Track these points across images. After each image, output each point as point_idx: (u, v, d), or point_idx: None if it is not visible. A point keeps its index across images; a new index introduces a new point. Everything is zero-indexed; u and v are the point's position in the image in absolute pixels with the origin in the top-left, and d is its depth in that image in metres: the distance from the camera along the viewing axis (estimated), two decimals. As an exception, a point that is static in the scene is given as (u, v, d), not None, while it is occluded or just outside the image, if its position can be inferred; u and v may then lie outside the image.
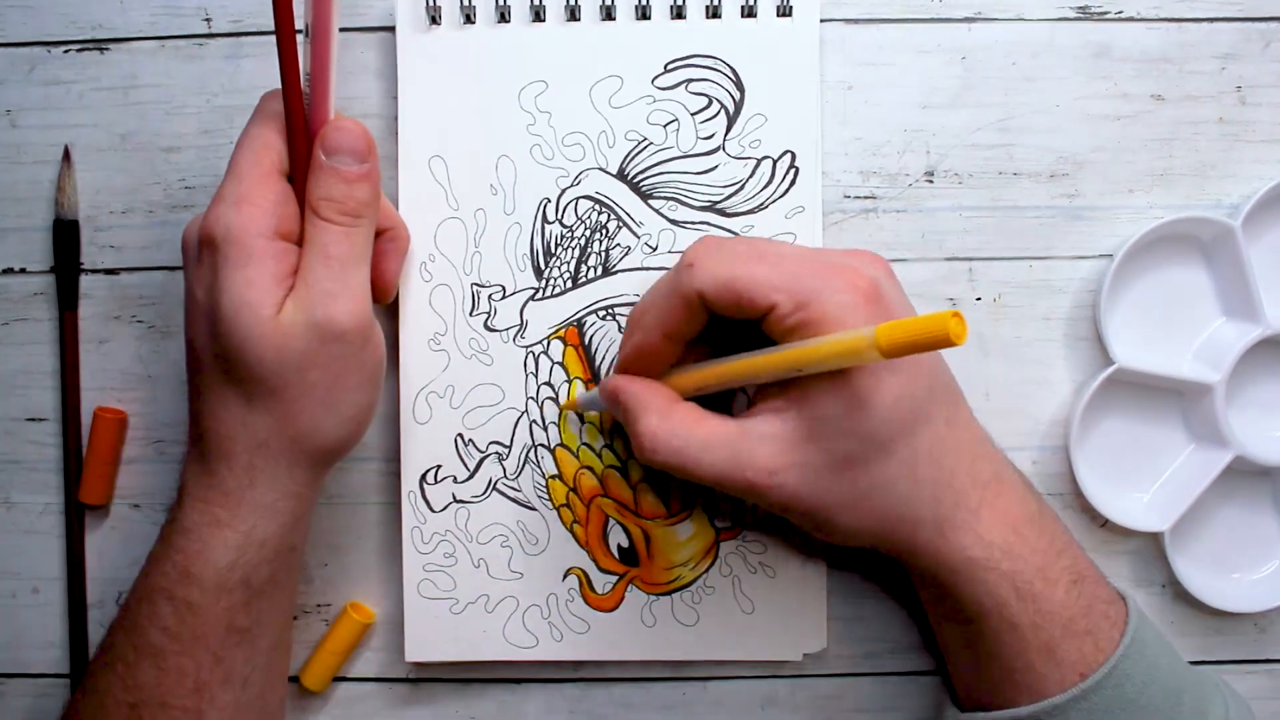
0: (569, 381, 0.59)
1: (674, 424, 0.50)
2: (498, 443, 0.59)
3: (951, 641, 0.55)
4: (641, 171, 0.59)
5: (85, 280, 0.61)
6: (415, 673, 0.62)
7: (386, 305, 0.59)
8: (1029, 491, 0.52)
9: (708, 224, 0.58)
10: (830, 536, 0.52)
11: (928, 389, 0.49)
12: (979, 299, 0.60)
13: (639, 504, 0.59)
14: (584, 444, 0.59)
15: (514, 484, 0.59)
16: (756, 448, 0.48)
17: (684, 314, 0.50)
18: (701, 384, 0.52)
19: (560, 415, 0.59)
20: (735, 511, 0.59)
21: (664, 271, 0.57)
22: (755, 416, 0.50)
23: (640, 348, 0.53)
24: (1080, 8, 0.59)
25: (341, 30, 0.60)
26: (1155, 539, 0.60)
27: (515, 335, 0.59)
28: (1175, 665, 0.51)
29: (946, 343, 0.39)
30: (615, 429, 0.59)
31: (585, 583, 0.59)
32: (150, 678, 0.50)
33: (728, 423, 0.50)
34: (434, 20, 0.58)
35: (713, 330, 0.52)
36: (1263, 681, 0.61)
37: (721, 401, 0.56)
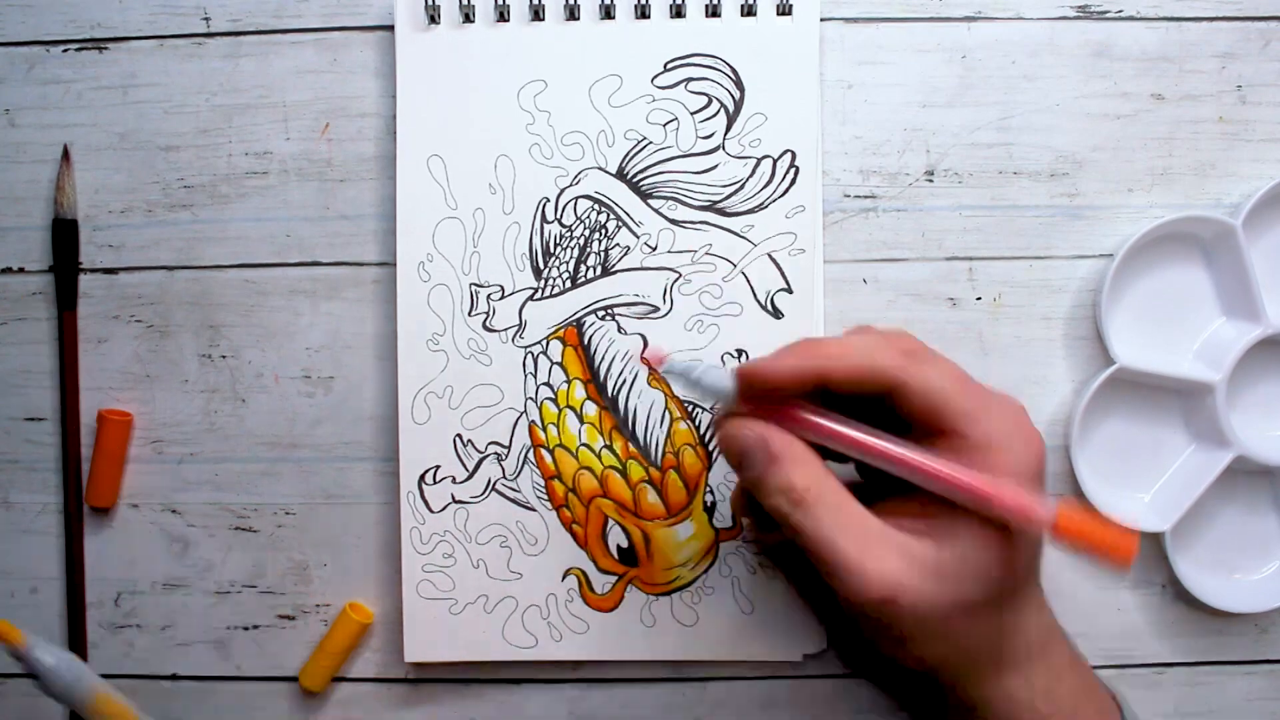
0: (568, 382, 0.59)
1: (821, 489, 0.47)
2: (497, 443, 0.59)
3: None
4: (641, 171, 0.58)
5: (84, 280, 0.61)
6: (414, 673, 0.62)
7: (384, 305, 0.59)
8: (1066, 634, 0.52)
9: (707, 223, 0.58)
10: (901, 657, 0.50)
11: (1038, 561, 0.50)
12: (979, 298, 0.60)
13: (638, 504, 0.59)
14: (583, 444, 0.59)
15: (513, 484, 0.59)
16: (890, 556, 0.46)
17: (861, 381, 0.47)
18: (835, 437, 0.48)
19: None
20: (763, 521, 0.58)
21: (663, 271, 0.58)
22: (889, 519, 0.47)
23: (775, 375, 0.48)
24: (1080, 7, 0.59)
25: (341, 29, 0.60)
26: (1156, 539, 0.60)
27: (514, 335, 0.59)
28: None
29: (1117, 565, 0.40)
30: (615, 428, 0.59)
31: (584, 583, 0.59)
32: None
33: (869, 515, 0.47)
34: (433, 19, 0.58)
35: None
36: (1263, 682, 0.61)
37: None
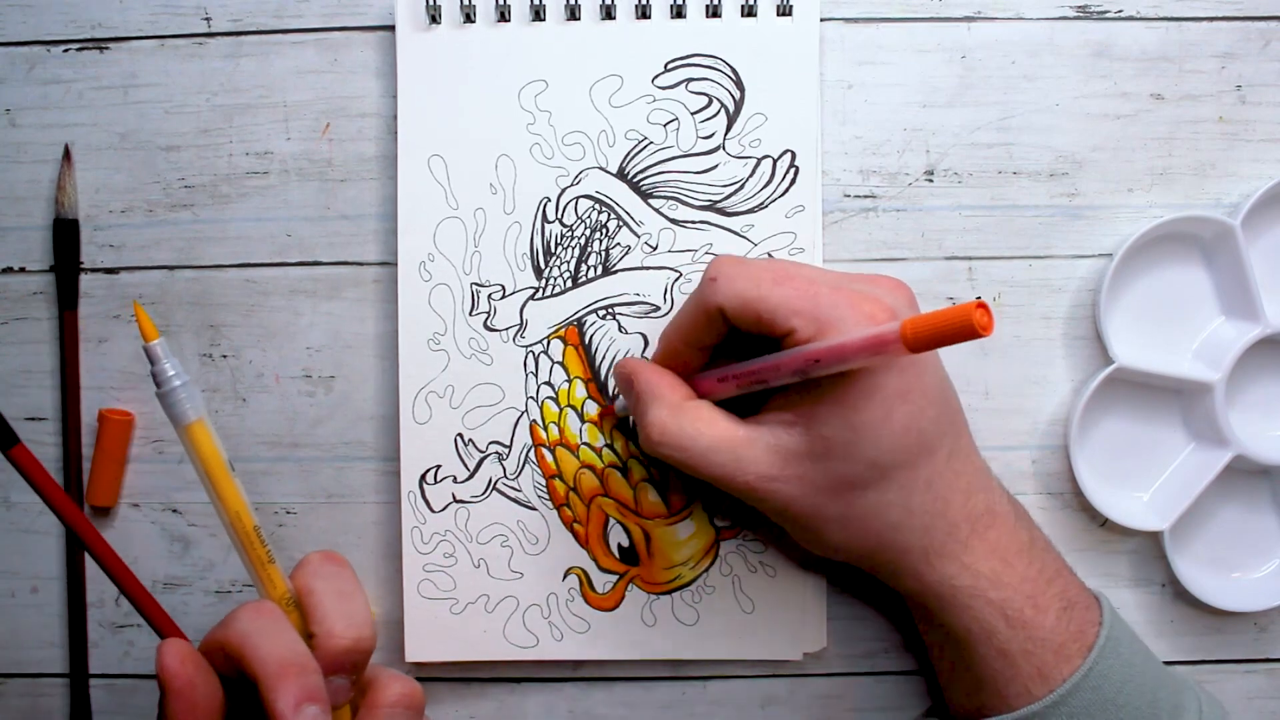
0: (569, 381, 0.59)
1: (683, 420, 0.51)
2: (498, 442, 0.59)
3: (943, 660, 0.55)
4: (641, 171, 0.59)
5: (85, 279, 0.61)
6: (415, 672, 0.62)
7: (384, 305, 0.59)
8: (1021, 523, 0.52)
9: (708, 223, 0.58)
10: (817, 549, 0.53)
11: (935, 420, 0.50)
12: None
13: (639, 503, 0.59)
14: (584, 443, 0.59)
15: (514, 484, 0.59)
16: (760, 455, 0.50)
17: (705, 325, 0.51)
18: (719, 384, 0.53)
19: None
20: (734, 509, 0.59)
21: (664, 271, 0.58)
22: (763, 425, 0.51)
23: (665, 353, 0.54)
24: (1080, 7, 0.59)
25: (341, 29, 0.60)
26: (1155, 538, 0.60)
27: (515, 335, 0.59)
28: (1150, 665, 0.52)
29: (972, 334, 0.39)
30: (616, 427, 0.59)
31: (585, 582, 0.59)
32: None
33: (735, 426, 0.51)
34: (434, 19, 0.58)
35: (738, 342, 0.52)
36: (1263, 681, 0.61)
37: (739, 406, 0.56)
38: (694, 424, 0.51)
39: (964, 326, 0.39)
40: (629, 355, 0.59)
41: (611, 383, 0.59)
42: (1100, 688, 0.49)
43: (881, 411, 0.47)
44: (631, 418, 0.57)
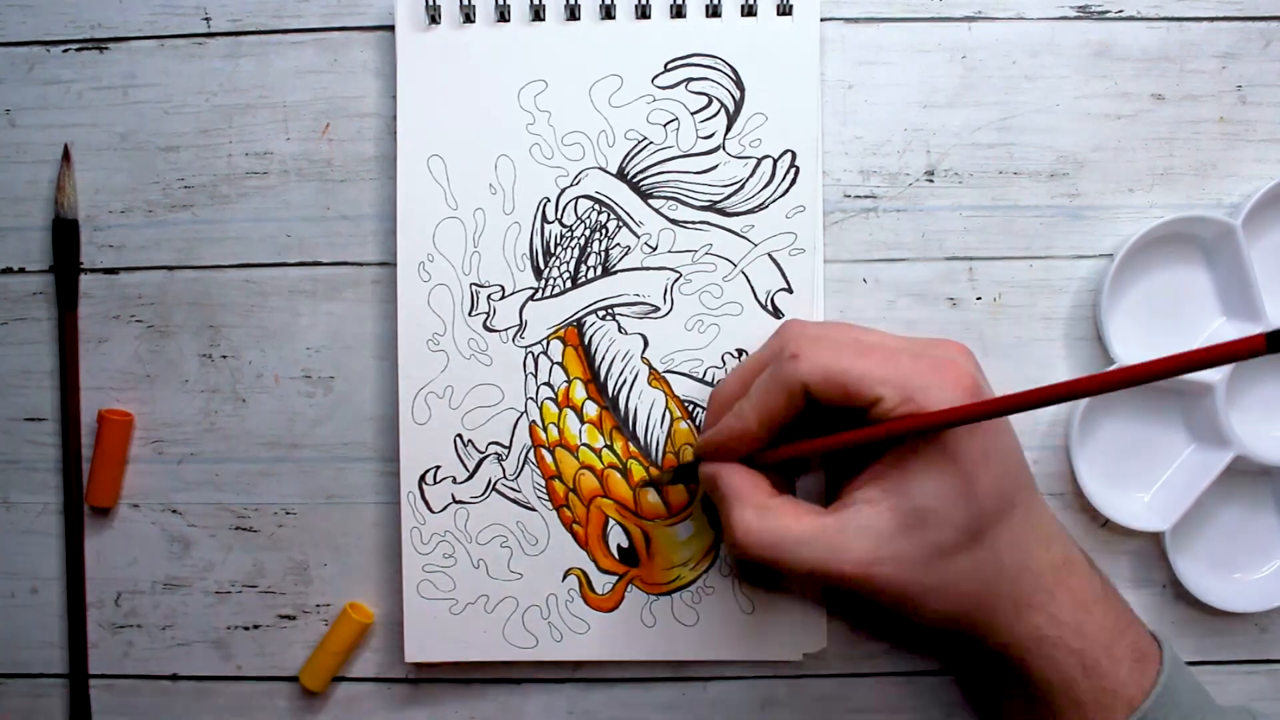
0: (568, 382, 0.59)
1: (770, 520, 0.51)
2: (497, 443, 0.59)
3: (1014, 712, 0.55)
4: (641, 171, 0.58)
5: (84, 280, 0.61)
6: (415, 673, 0.62)
7: (384, 305, 0.59)
8: (1094, 570, 0.53)
9: (708, 223, 0.58)
10: (915, 619, 0.52)
11: (1014, 478, 0.51)
12: (979, 299, 0.60)
13: (639, 504, 0.59)
14: (583, 444, 0.59)
15: (513, 484, 0.59)
16: (852, 542, 0.50)
17: (786, 404, 0.51)
18: (790, 454, 0.53)
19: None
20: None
21: (664, 271, 0.58)
22: (850, 508, 0.51)
23: (737, 433, 0.53)
24: (1080, 7, 0.59)
25: (341, 29, 0.60)
26: (1156, 539, 0.60)
27: (514, 335, 0.59)
28: (1209, 712, 0.51)
29: None
30: (616, 428, 0.59)
31: (585, 583, 0.59)
32: None
33: (823, 516, 0.51)
34: (433, 19, 0.58)
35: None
36: (1263, 682, 0.61)
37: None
38: (780, 520, 0.51)
39: None
40: (701, 443, 0.56)
41: (611, 384, 0.59)
42: None
43: (970, 473, 0.48)
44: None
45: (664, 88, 0.58)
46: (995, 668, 0.55)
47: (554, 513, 0.59)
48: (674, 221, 0.58)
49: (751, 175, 0.58)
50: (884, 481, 0.50)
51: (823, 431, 0.51)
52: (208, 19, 0.61)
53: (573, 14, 0.58)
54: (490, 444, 0.59)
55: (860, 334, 0.52)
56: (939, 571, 0.49)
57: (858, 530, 0.50)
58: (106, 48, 0.61)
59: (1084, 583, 0.52)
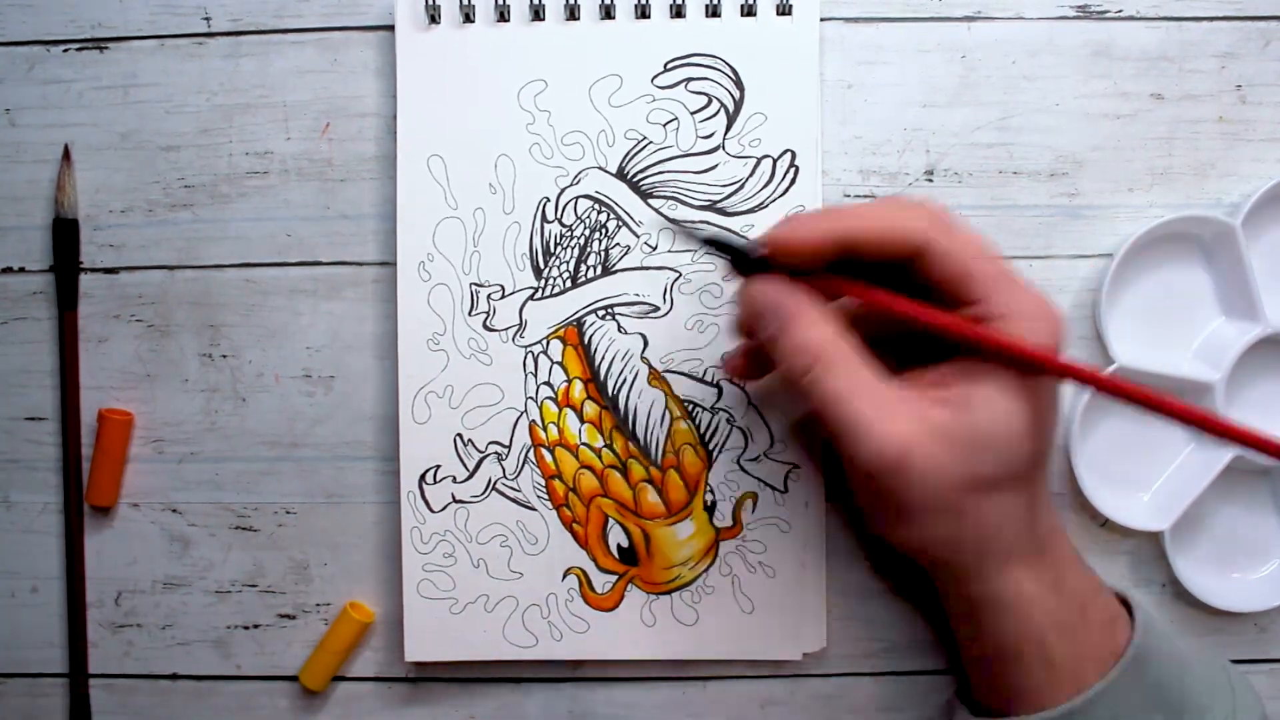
0: (568, 381, 0.59)
1: (838, 350, 0.47)
2: (497, 443, 0.59)
3: (980, 664, 0.54)
4: (641, 171, 0.58)
5: (85, 279, 0.61)
6: (415, 672, 0.62)
7: (384, 305, 0.59)
8: (1070, 541, 0.53)
9: (707, 223, 0.58)
10: (906, 537, 0.50)
11: (1051, 446, 0.50)
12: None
13: (638, 504, 0.59)
14: (583, 444, 0.59)
15: (513, 484, 0.59)
16: (904, 420, 0.46)
17: (892, 240, 0.47)
18: (878, 300, 0.49)
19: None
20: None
21: (663, 271, 0.58)
22: (913, 389, 0.48)
23: (819, 224, 0.48)
24: (1080, 7, 0.59)
25: (341, 29, 0.60)
26: (1155, 538, 0.60)
27: (514, 335, 0.59)
28: (1183, 673, 0.51)
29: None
30: (616, 428, 0.59)
31: (585, 582, 0.59)
32: None
33: (886, 379, 0.47)
34: (433, 19, 0.58)
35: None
36: (1263, 681, 0.61)
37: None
38: (845, 356, 0.47)
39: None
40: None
41: (611, 384, 0.59)
42: (1124, 697, 0.49)
43: (1030, 419, 0.47)
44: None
45: (664, 87, 0.58)
46: (968, 621, 0.53)
47: (554, 512, 0.59)
48: (673, 221, 0.58)
49: (751, 175, 0.58)
50: (951, 385, 0.48)
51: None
52: (208, 19, 0.61)
53: (572, 14, 0.58)
54: (490, 443, 0.59)
55: (988, 246, 0.49)
56: (963, 497, 0.47)
57: (915, 415, 0.46)
58: (107, 47, 0.61)
59: (1065, 546, 0.51)
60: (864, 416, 0.46)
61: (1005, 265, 0.48)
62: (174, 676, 0.62)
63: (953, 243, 0.47)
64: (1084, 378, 0.46)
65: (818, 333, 0.47)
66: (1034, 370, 0.46)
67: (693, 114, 0.58)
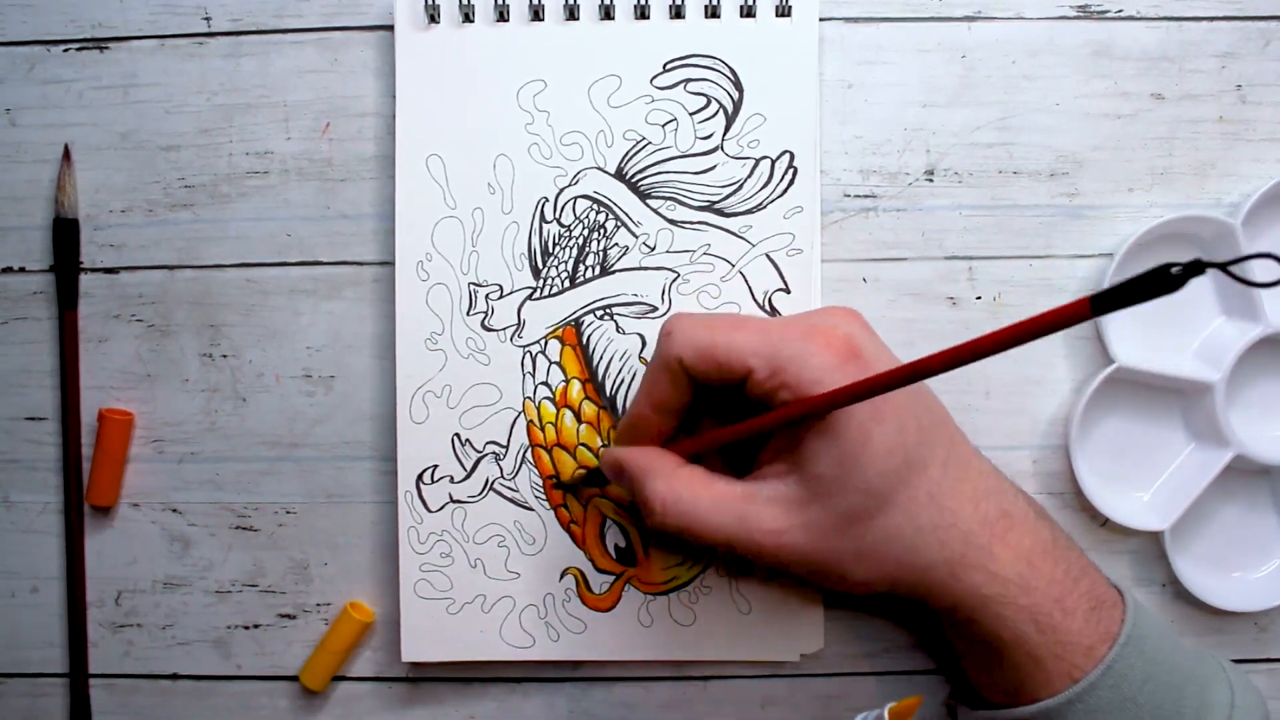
0: (566, 381, 0.59)
1: (680, 487, 0.51)
2: (495, 442, 0.59)
3: (972, 662, 0.55)
4: (640, 171, 0.58)
5: (85, 279, 0.62)
6: (414, 672, 0.62)
7: (384, 305, 0.59)
8: (1041, 521, 0.52)
9: (706, 224, 0.58)
10: (844, 587, 0.52)
11: (918, 434, 0.50)
12: (979, 298, 0.60)
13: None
14: (581, 444, 0.59)
15: (511, 484, 0.59)
16: (762, 510, 0.50)
17: (668, 383, 0.52)
18: (695, 448, 0.54)
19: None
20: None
21: (662, 271, 0.58)
22: (758, 480, 0.51)
23: (633, 420, 0.54)
24: (1080, 6, 0.59)
25: (341, 29, 0.60)
26: (1155, 538, 0.59)
27: (513, 335, 0.59)
28: (1177, 659, 0.51)
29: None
30: (613, 429, 0.59)
31: (582, 582, 0.59)
32: None
33: (734, 485, 0.51)
34: (432, 19, 0.58)
35: (710, 404, 0.54)
36: (1263, 681, 0.61)
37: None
38: (690, 488, 0.51)
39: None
40: (603, 448, 0.59)
41: (609, 384, 0.59)
42: (1120, 686, 0.49)
43: (860, 437, 0.48)
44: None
45: (663, 88, 0.58)
46: (949, 627, 0.55)
47: (551, 512, 0.59)
48: (672, 222, 0.58)
49: (750, 176, 0.58)
50: (785, 453, 0.51)
51: (742, 419, 0.51)
52: (208, 19, 0.61)
53: (572, 14, 0.58)
54: (488, 443, 0.59)
55: (741, 315, 0.53)
56: (854, 537, 0.49)
57: (766, 499, 0.50)
58: (107, 47, 0.61)
59: (1027, 537, 0.51)
60: (732, 529, 0.50)
61: (757, 324, 0.51)
62: (174, 676, 0.63)
63: (693, 349, 0.51)
64: (850, 395, 0.46)
65: (658, 482, 0.51)
66: (823, 412, 0.48)
67: (691, 115, 0.58)
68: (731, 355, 0.49)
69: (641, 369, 0.59)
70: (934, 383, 0.49)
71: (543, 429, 0.59)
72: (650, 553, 0.59)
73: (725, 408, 0.54)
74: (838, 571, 0.51)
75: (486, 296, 0.59)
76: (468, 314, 0.59)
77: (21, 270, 0.62)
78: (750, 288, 0.58)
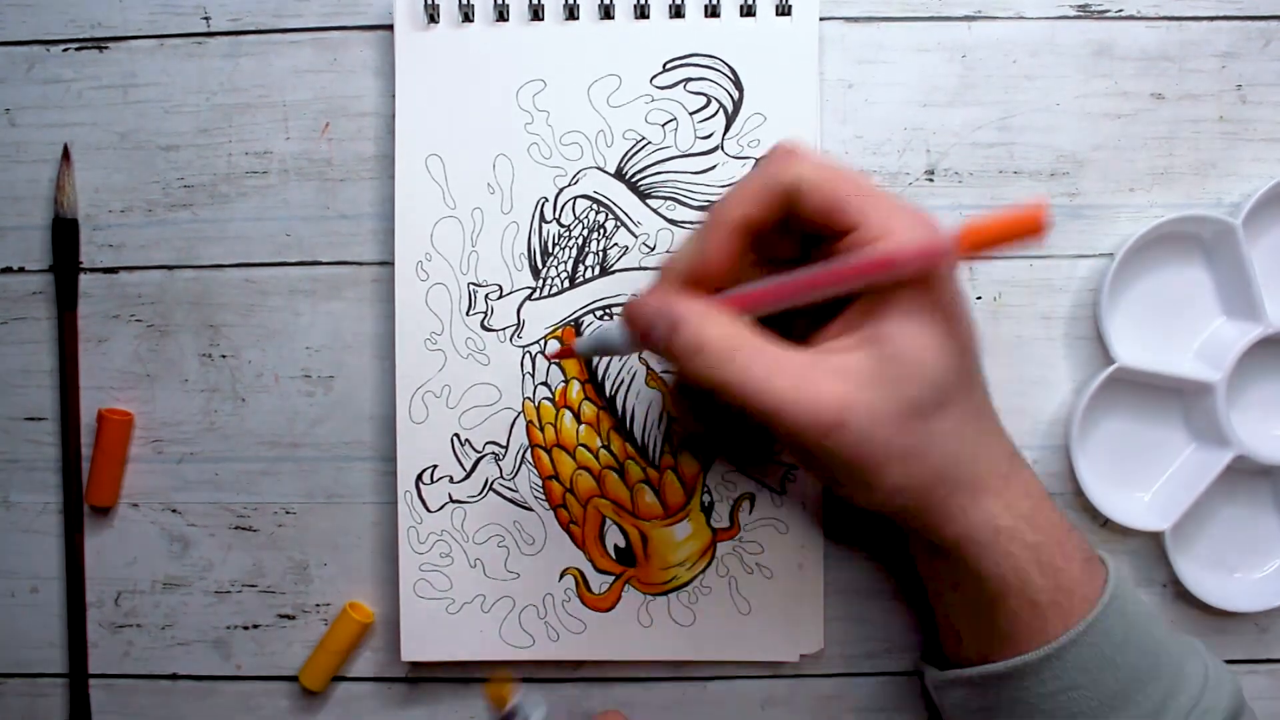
0: (566, 382, 0.59)
1: (736, 336, 0.46)
2: (494, 443, 0.59)
3: (956, 612, 0.54)
4: (640, 171, 0.58)
5: (84, 279, 0.61)
6: (415, 672, 0.62)
7: (383, 305, 0.59)
8: (1034, 474, 0.51)
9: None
10: (868, 494, 0.48)
11: (977, 354, 0.48)
12: (979, 298, 0.60)
13: (636, 504, 0.59)
14: (581, 444, 0.59)
15: (510, 484, 0.59)
16: (825, 380, 0.45)
17: (764, 202, 0.47)
18: (760, 300, 0.48)
19: (556, 390, 0.59)
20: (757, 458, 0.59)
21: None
22: (825, 351, 0.47)
23: (705, 245, 0.48)
24: (1080, 6, 0.59)
25: (340, 29, 0.60)
26: (1156, 538, 0.59)
27: (512, 335, 0.59)
28: (1154, 627, 0.51)
29: (1036, 229, 0.39)
30: (613, 428, 0.59)
31: (582, 583, 0.59)
32: None
33: (795, 351, 0.46)
34: (432, 19, 0.58)
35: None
36: (1263, 681, 0.61)
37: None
38: (749, 339, 0.46)
39: (1027, 226, 0.40)
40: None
41: (609, 385, 0.59)
42: (1099, 644, 0.48)
43: (944, 329, 0.45)
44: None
45: (662, 88, 0.58)
46: (946, 565, 0.52)
47: (551, 513, 0.59)
48: (672, 222, 0.58)
49: (749, 175, 0.58)
50: (858, 329, 0.46)
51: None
52: (207, 18, 0.61)
53: (571, 14, 0.58)
54: (487, 443, 0.59)
55: (856, 171, 0.49)
56: (909, 433, 0.45)
57: (832, 370, 0.45)
58: (106, 47, 0.61)
59: (1033, 477, 0.50)
60: (787, 394, 0.44)
61: (872, 186, 0.47)
62: (174, 676, 0.63)
63: (820, 175, 0.46)
64: (934, 253, 0.44)
65: (713, 326, 0.46)
66: (921, 273, 0.45)
67: (691, 114, 0.58)
68: (850, 203, 0.45)
69: (642, 369, 0.59)
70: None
71: (542, 429, 0.59)
72: (650, 553, 0.59)
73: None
74: (878, 469, 0.46)
75: (486, 296, 0.59)
76: (467, 314, 0.59)
77: (21, 270, 0.62)
78: (750, 288, 0.58)
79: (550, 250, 0.59)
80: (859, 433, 0.45)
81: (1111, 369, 0.57)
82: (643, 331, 0.48)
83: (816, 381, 0.45)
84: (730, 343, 0.45)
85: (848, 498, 0.51)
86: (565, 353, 0.55)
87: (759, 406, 0.45)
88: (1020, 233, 0.40)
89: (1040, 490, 0.50)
